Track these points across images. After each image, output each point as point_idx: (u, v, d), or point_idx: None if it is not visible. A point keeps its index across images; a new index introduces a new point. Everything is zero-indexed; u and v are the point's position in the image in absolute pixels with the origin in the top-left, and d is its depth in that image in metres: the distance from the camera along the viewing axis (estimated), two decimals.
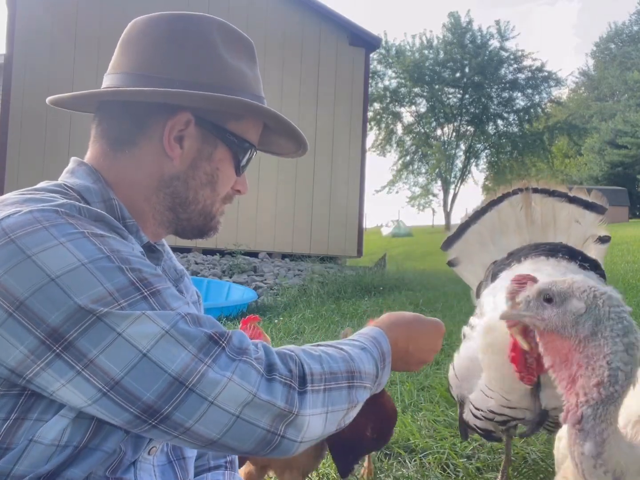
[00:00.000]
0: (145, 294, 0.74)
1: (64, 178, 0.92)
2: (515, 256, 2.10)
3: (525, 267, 1.97)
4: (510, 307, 1.17)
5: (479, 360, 1.80)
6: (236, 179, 1.00)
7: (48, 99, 0.99)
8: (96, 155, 0.94)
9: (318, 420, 0.79)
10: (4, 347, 0.70)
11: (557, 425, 1.68)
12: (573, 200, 2.14)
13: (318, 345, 0.88)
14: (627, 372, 0.88)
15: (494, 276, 2.14)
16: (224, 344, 0.74)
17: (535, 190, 2.16)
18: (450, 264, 2.38)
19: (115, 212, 0.88)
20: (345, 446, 1.72)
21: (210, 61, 0.92)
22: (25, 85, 8.79)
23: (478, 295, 2.23)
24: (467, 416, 1.92)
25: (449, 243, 2.34)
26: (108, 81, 0.96)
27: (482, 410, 1.83)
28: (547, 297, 1.02)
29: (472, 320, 2.04)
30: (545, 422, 1.77)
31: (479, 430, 1.93)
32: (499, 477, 2.10)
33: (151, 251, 0.93)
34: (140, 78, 0.90)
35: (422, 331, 1.01)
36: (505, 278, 1.96)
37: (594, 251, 2.09)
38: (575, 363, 0.93)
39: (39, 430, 0.74)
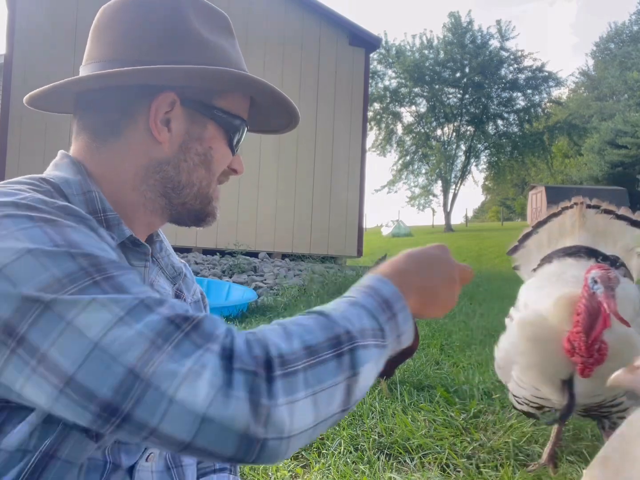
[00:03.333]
0: (97, 278, 0.67)
1: (48, 170, 0.89)
2: (546, 259, 2.43)
3: (554, 267, 2.33)
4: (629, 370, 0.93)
5: (512, 353, 2.07)
6: (232, 158, 0.96)
7: (24, 101, 0.93)
8: (79, 149, 0.90)
9: (304, 405, 0.66)
10: None
11: (602, 416, 2.05)
12: (620, 217, 2.47)
13: (298, 315, 0.76)
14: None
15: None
16: (187, 329, 0.66)
17: (589, 206, 2.49)
18: (515, 268, 2.69)
19: (96, 204, 0.84)
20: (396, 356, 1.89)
21: (187, 39, 0.87)
22: (25, 85, 8.79)
23: None
24: (510, 399, 2.29)
25: (512, 251, 2.66)
26: (82, 73, 0.91)
27: (518, 397, 2.18)
28: None
29: (511, 311, 2.30)
30: (575, 411, 2.06)
31: (521, 411, 2.27)
32: (545, 457, 2.27)
33: (136, 245, 0.89)
34: (115, 64, 0.86)
35: (429, 255, 0.86)
36: (538, 275, 2.33)
37: (635, 261, 2.41)
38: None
39: (5, 438, 0.71)
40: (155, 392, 0.62)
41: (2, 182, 0.81)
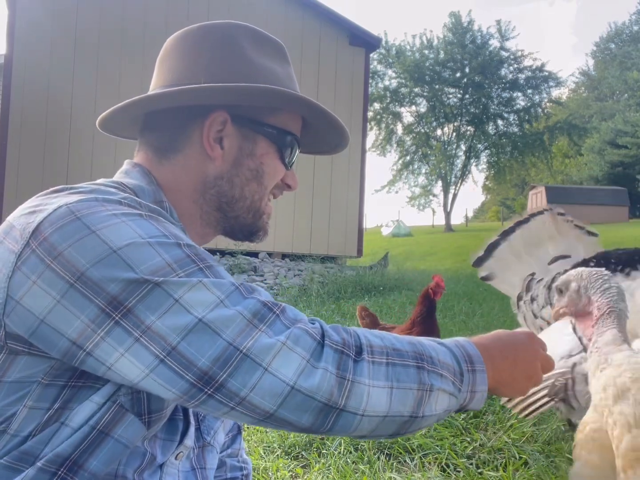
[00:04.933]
0: (201, 266, 0.76)
1: (119, 178, 0.94)
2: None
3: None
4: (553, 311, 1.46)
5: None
6: (285, 173, 1.01)
7: (99, 127, 1.01)
8: (143, 162, 0.97)
9: (381, 393, 0.74)
10: (66, 318, 0.72)
11: None
12: (578, 227, 2.49)
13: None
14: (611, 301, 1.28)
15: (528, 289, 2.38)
16: (277, 312, 0.75)
17: (559, 214, 2.47)
18: (485, 279, 2.60)
19: (166, 214, 0.90)
20: None
21: (238, 62, 0.94)
22: (25, 85, 8.79)
23: (518, 304, 2.42)
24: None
25: (479, 262, 2.56)
26: None
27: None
28: (559, 290, 1.39)
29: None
30: None
31: None
32: None
33: None
34: (172, 87, 0.93)
35: (516, 338, 0.90)
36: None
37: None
38: (590, 313, 1.31)
39: (70, 415, 0.77)
40: (251, 363, 0.70)
41: (86, 183, 0.87)
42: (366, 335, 0.78)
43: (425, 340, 0.82)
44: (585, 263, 2.21)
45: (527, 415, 1.95)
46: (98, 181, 0.89)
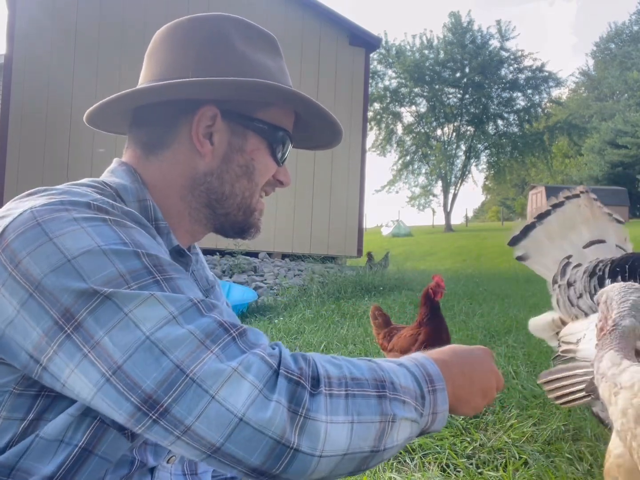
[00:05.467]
0: (158, 278, 0.72)
1: (105, 176, 0.92)
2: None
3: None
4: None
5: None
6: (277, 169, 0.98)
7: (86, 121, 0.98)
8: (130, 160, 0.94)
9: (341, 430, 0.68)
10: (25, 329, 0.70)
11: None
12: (609, 214, 2.50)
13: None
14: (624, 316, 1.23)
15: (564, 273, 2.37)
16: (234, 334, 0.70)
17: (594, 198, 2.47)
18: (520, 258, 2.60)
19: (149, 212, 0.88)
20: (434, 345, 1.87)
21: (228, 56, 0.91)
22: (25, 84, 8.79)
23: (553, 287, 2.42)
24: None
25: (514, 241, 2.57)
26: None
27: None
28: (597, 302, 1.35)
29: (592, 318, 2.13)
30: None
31: None
32: None
33: (180, 255, 0.93)
34: (160, 82, 0.90)
35: (473, 355, 0.88)
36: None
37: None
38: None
39: (45, 427, 0.75)
40: (197, 389, 0.64)
41: (67, 183, 0.85)
42: (324, 364, 0.72)
43: (384, 363, 0.78)
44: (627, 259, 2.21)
45: (562, 404, 1.94)
46: (81, 180, 0.87)
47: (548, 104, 39.72)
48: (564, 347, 2.07)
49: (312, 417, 0.67)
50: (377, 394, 0.72)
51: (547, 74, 36.75)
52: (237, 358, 0.67)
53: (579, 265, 2.30)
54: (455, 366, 0.84)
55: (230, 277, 7.96)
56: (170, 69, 0.91)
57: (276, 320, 5.43)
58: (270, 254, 9.49)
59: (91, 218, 0.74)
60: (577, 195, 2.46)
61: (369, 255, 9.95)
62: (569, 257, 2.38)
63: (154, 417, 0.65)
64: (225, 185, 0.93)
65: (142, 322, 0.67)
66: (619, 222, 2.45)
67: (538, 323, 2.42)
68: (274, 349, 0.71)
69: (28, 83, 8.79)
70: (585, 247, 2.38)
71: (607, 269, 2.17)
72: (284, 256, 9.70)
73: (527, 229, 2.54)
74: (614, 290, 1.30)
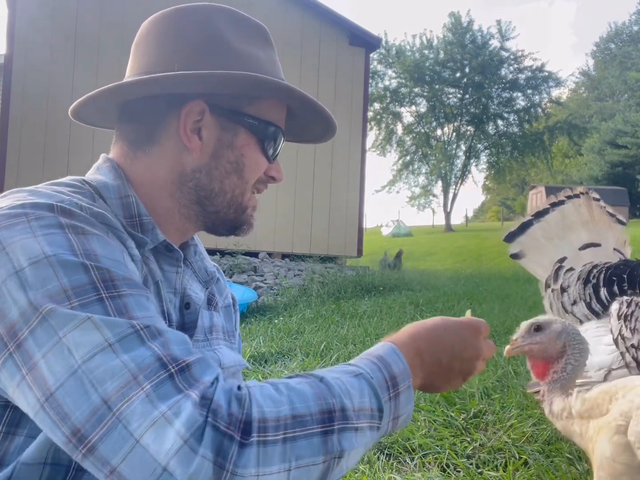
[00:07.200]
0: (103, 295, 0.67)
1: (90, 173, 0.91)
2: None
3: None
4: (511, 344, 1.54)
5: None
6: (269, 165, 0.95)
7: (71, 116, 0.96)
8: (118, 155, 0.92)
9: None
10: None
11: None
12: (611, 215, 2.49)
13: (295, 376, 0.73)
14: (575, 367, 1.49)
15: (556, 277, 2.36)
16: (173, 370, 0.64)
17: (594, 199, 2.44)
18: (515, 256, 2.58)
19: (132, 209, 0.86)
20: None
21: (216, 48, 0.88)
22: (25, 85, 8.79)
23: (545, 290, 2.41)
24: None
25: (511, 237, 2.54)
26: None
27: None
28: (537, 327, 1.51)
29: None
30: None
31: None
32: None
33: (168, 250, 0.90)
34: (147, 75, 0.88)
35: (453, 336, 0.85)
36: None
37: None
38: (551, 363, 1.51)
39: (25, 450, 0.72)
40: (123, 430, 0.60)
41: (47, 182, 0.83)
42: (261, 404, 0.65)
43: (338, 380, 0.71)
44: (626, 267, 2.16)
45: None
46: (63, 179, 0.85)
47: (548, 104, 39.71)
48: None
49: (240, 474, 0.61)
50: (322, 430, 0.66)
51: (547, 74, 36.74)
52: (169, 400, 0.61)
53: (571, 269, 2.28)
54: (431, 353, 0.82)
55: (230, 277, 7.95)
56: (158, 61, 0.88)
57: (276, 320, 5.43)
58: (270, 254, 9.48)
59: (47, 225, 0.70)
60: (577, 196, 2.44)
61: (385, 254, 9.97)
62: (562, 260, 2.36)
63: (83, 452, 0.62)
64: (215, 182, 0.90)
65: (75, 348, 0.63)
66: (621, 223, 2.43)
67: None
68: (210, 387, 0.65)
69: (28, 83, 8.79)
70: (581, 249, 2.36)
71: (601, 276, 2.16)
72: (284, 256, 9.69)
73: (525, 226, 2.50)
74: (572, 333, 1.50)
